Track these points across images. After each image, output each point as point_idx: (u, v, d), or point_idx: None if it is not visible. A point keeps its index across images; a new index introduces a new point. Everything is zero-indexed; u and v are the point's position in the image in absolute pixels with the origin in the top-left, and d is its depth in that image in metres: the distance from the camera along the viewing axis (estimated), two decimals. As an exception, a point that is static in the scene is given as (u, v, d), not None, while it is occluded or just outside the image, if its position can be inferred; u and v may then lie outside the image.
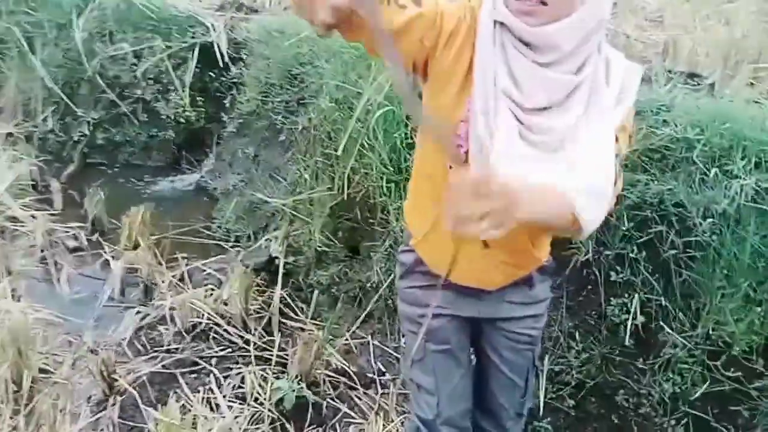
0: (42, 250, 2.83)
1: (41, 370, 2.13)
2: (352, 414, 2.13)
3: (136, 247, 2.78)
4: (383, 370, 2.29)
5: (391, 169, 2.31)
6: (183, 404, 2.03)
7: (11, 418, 1.95)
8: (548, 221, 1.05)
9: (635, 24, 2.82)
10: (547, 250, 1.33)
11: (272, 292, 2.56)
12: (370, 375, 2.27)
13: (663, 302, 1.81)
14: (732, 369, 1.76)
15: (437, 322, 1.34)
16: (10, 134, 3.53)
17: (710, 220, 1.72)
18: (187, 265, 2.72)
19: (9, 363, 2.01)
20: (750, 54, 2.32)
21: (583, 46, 1.06)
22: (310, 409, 2.11)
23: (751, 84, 2.18)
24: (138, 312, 2.49)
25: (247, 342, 2.36)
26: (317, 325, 2.46)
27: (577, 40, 1.04)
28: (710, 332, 1.75)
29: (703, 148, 1.77)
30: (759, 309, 1.70)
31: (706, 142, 1.78)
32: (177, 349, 2.31)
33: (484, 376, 1.44)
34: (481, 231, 0.84)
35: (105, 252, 2.85)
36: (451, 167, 1.12)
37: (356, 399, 2.19)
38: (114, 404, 2.06)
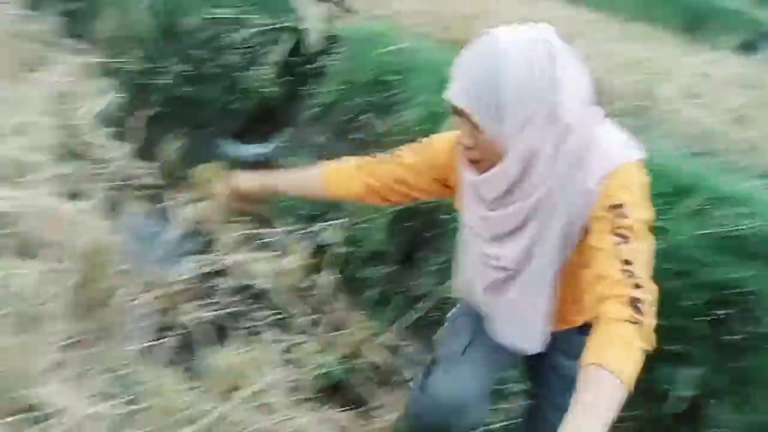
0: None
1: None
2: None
3: (203, 200, 2.87)
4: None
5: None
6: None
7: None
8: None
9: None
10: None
11: (326, 276, 2.65)
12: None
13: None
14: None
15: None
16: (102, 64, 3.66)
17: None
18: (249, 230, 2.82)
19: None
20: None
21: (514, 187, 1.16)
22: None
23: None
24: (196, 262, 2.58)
25: (294, 316, 2.45)
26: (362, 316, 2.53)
27: (503, 187, 1.17)
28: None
29: None
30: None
31: None
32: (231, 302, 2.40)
33: None
34: None
35: (170, 199, 2.95)
36: None
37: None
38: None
